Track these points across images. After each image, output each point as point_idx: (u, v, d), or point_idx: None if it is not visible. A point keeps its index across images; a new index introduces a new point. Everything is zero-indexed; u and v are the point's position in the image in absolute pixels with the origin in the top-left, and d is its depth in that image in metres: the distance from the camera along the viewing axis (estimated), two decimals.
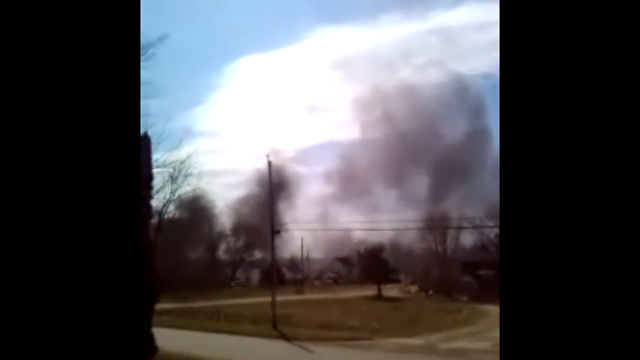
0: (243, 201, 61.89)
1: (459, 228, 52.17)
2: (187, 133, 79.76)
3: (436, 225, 51.20)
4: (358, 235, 55.28)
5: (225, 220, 62.77)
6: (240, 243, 63.84)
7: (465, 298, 41.65)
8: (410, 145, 66.76)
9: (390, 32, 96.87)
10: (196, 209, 55.24)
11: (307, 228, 59.11)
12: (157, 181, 23.67)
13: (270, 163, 26.24)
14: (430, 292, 47.09)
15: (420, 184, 69.22)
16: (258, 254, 63.57)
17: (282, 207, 60.13)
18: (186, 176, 41.75)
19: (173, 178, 40.94)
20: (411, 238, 56.76)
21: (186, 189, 44.21)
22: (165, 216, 45.45)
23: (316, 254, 68.56)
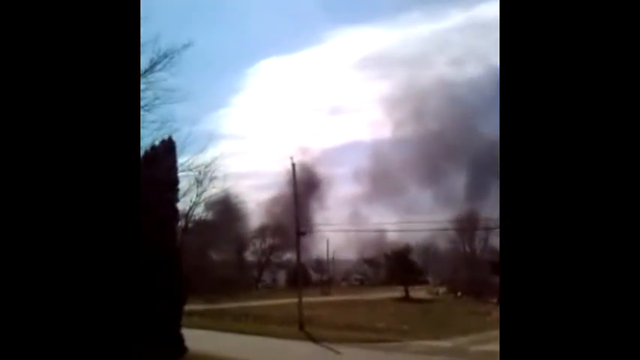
0: (274, 201, 62.16)
1: (487, 229, 51.32)
2: (212, 137, 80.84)
3: (464, 226, 50.53)
4: (386, 236, 54.84)
5: (254, 221, 63.34)
6: (266, 244, 64.29)
7: (494, 300, 40.89)
8: (441, 143, 65.87)
9: (411, 31, 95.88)
10: (226, 210, 55.88)
11: (334, 229, 59.05)
12: (182, 185, 24.00)
13: (294, 165, 26.34)
14: (459, 294, 46.44)
15: (455, 183, 68.27)
16: (285, 255, 63.86)
17: (314, 206, 60.16)
18: (211, 179, 42.28)
19: (199, 182, 41.52)
20: (439, 238, 56.14)
21: (212, 192, 44.77)
22: (192, 218, 46.10)
23: (343, 255, 68.45)
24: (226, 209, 56.23)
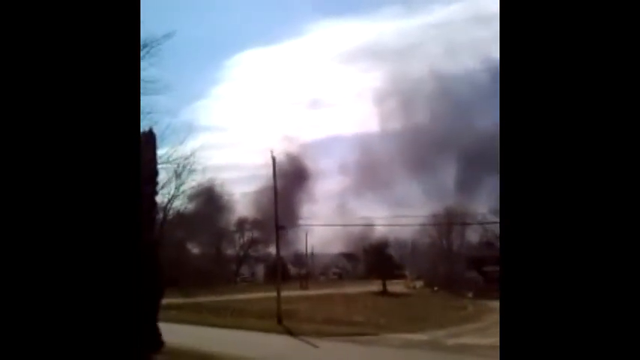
0: (257, 195, 61.75)
1: (464, 224, 52.06)
2: (191, 129, 79.84)
3: (442, 221, 51.11)
4: (367, 230, 55.05)
5: (234, 215, 62.96)
6: (245, 238, 64.03)
7: (470, 294, 41.60)
8: (426, 136, 66.27)
9: (392, 25, 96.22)
10: (209, 202, 55.45)
11: (314, 224, 59.05)
12: (161, 177, 23.67)
13: (274, 159, 26.27)
14: (435, 288, 47.07)
15: (442, 176, 68.72)
16: (263, 249, 63.69)
17: (296, 199, 59.81)
18: (190, 172, 41.86)
19: (178, 174, 41.05)
20: (417, 233, 56.63)
21: (194, 183, 44.35)
22: (171, 212, 45.60)
23: (322, 249, 68.60)
24: (209, 201, 55.81)
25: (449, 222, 51.61)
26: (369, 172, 67.23)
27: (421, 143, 64.68)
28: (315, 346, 16.90)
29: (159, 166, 15.35)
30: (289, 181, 59.70)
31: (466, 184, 57.43)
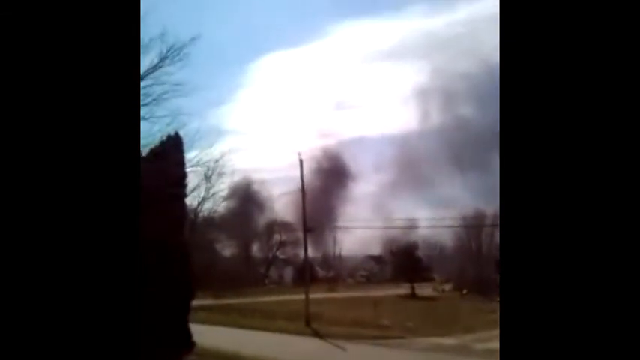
0: (287, 197, 62.07)
1: (494, 226, 51.08)
2: (220, 132, 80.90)
3: (471, 223, 50.33)
4: (396, 232, 54.54)
5: (264, 217, 63.36)
6: (273, 240, 64.38)
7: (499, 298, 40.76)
8: (448, 138, 65.25)
9: (416, 24, 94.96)
10: (243, 204, 56.04)
11: (339, 226, 58.84)
12: (191, 181, 24.15)
13: (301, 162, 26.42)
14: (464, 291, 46.33)
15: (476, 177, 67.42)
16: (291, 251, 63.92)
17: (326, 202, 59.58)
18: (220, 175, 42.49)
19: (207, 177, 41.72)
20: (445, 235, 55.89)
21: (220, 187, 45.00)
22: (201, 214, 46.34)
23: (350, 251, 68.36)
24: (245, 201, 56.36)
25: (478, 224, 50.77)
26: (402, 172, 66.40)
27: (456, 142, 63.49)
28: (343, 349, 16.91)
29: (188, 170, 15.66)
30: (322, 181, 59.67)
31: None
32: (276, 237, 64.12)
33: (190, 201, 27.67)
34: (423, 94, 75.88)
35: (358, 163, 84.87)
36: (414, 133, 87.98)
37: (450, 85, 77.59)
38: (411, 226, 49.91)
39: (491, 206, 51.27)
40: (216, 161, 36.48)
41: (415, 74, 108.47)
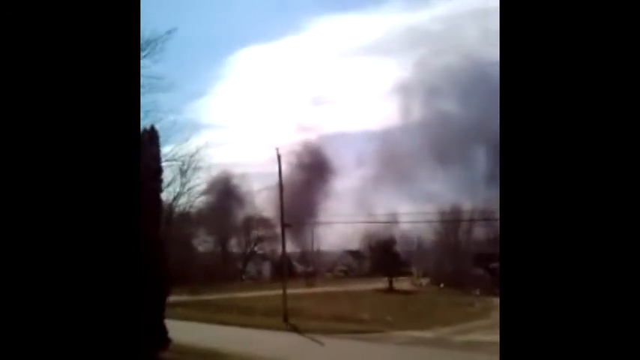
0: (266, 192, 61.73)
1: (472, 220, 51.87)
2: (195, 127, 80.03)
3: (448, 218, 50.98)
4: (373, 227, 54.83)
5: (245, 211, 63.00)
6: (251, 236, 64.13)
7: (477, 292, 41.46)
8: (428, 133, 65.66)
9: (397, 19, 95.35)
10: (221, 198, 55.66)
11: (317, 221, 58.84)
12: (166, 175, 23.79)
13: (279, 157, 26.25)
14: (442, 285, 46.96)
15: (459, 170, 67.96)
16: (269, 247, 63.80)
17: (303, 197, 59.40)
18: (195, 169, 42.01)
19: (183, 172, 41.21)
20: (423, 230, 56.38)
21: (196, 182, 44.52)
22: (177, 209, 45.77)
23: (328, 246, 68.53)
24: (224, 195, 55.98)
25: (456, 219, 51.45)
26: (383, 167, 66.53)
27: (438, 137, 63.88)
28: (321, 344, 16.90)
29: (164, 164, 15.39)
30: (302, 176, 59.49)
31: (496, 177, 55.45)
32: (254, 232, 63.88)
33: (166, 196, 27.27)
34: (404, 89, 76.31)
35: (339, 158, 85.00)
36: (395, 128, 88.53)
37: (431, 80, 78.17)
38: (391, 221, 50.21)
39: (473, 200, 52.10)
40: (192, 155, 36.06)
41: (396, 69, 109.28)
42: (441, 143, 58.43)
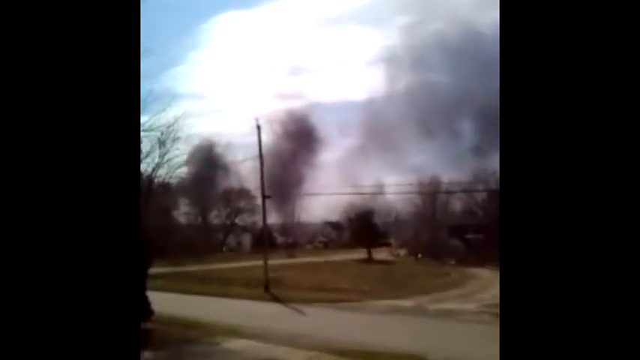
0: (250, 161, 60.97)
1: (448, 192, 52.66)
2: (173, 96, 78.01)
3: (426, 189, 51.61)
4: (353, 199, 55.11)
5: (224, 183, 62.40)
6: (231, 207, 63.97)
7: (453, 262, 42.51)
8: (411, 102, 65.23)
9: None
10: (203, 168, 55.03)
11: (300, 192, 58.84)
12: (144, 146, 23.31)
13: (259, 127, 26.11)
14: (419, 256, 47.94)
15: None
16: (250, 218, 63.75)
17: (282, 167, 59.15)
18: (174, 140, 41.31)
19: (161, 142, 40.49)
20: (401, 202, 57.04)
21: (175, 153, 43.89)
22: (156, 180, 45.24)
23: (310, 218, 68.80)
24: (206, 165, 55.36)
25: (433, 190, 52.12)
26: (367, 137, 65.90)
27: (417, 109, 63.45)
28: (302, 312, 17.25)
29: (141, 134, 15.18)
30: (284, 147, 58.95)
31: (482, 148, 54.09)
32: (235, 204, 63.73)
33: (145, 167, 26.81)
34: (390, 58, 75.51)
35: (324, 127, 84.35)
36: (380, 98, 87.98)
37: (418, 48, 77.29)
38: (373, 192, 50.58)
39: (460, 172, 52.20)
40: (170, 126, 35.40)
41: (382, 36, 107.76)
42: (427, 114, 58.38)
